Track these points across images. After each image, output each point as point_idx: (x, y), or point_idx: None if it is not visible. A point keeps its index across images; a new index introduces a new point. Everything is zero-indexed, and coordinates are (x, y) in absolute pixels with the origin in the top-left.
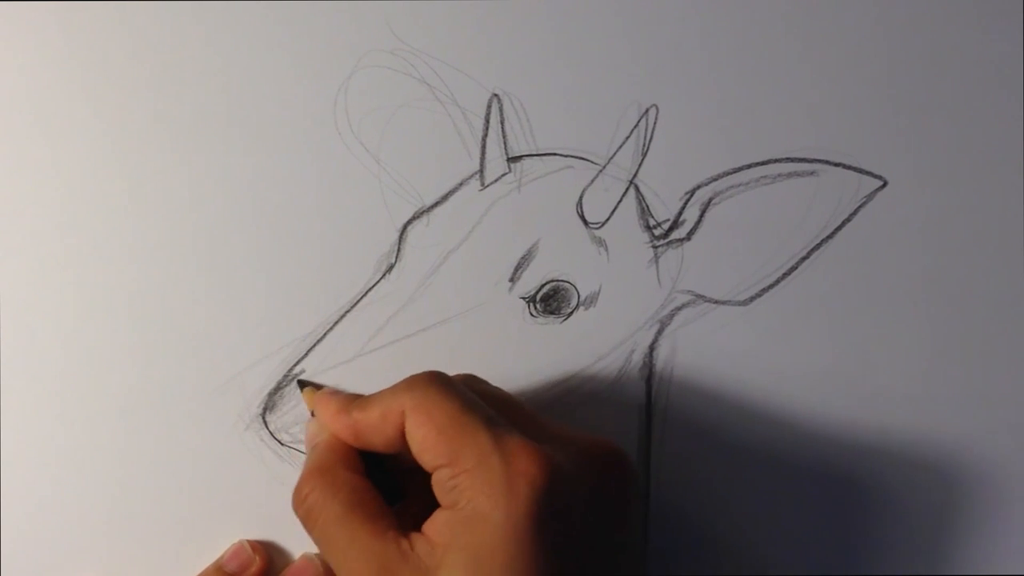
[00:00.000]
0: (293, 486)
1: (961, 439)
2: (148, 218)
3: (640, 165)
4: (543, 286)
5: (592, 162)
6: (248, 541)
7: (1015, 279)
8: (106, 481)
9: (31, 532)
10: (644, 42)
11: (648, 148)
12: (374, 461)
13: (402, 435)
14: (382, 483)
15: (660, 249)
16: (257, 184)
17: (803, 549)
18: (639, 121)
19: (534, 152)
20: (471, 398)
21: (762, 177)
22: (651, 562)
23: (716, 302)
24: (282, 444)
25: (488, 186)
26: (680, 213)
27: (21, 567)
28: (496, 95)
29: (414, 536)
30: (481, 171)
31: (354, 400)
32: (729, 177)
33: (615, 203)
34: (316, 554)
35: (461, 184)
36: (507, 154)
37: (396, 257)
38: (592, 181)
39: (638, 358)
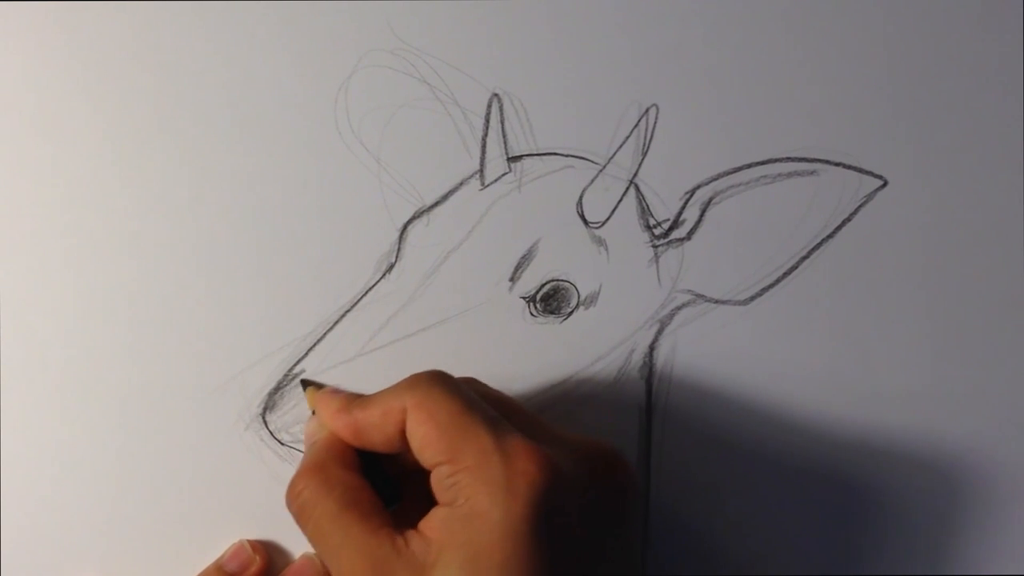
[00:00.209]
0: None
1: (961, 439)
2: (148, 218)
3: (640, 165)
4: (543, 286)
5: (592, 162)
6: (248, 541)
7: (1015, 279)
8: (106, 481)
9: (31, 532)
10: (644, 42)
11: (648, 148)
12: (372, 463)
13: (402, 434)
14: (379, 485)
15: (660, 249)
16: (257, 184)
17: (803, 549)
18: (639, 121)
19: (534, 152)
20: (473, 398)
21: (762, 177)
22: (651, 562)
23: (716, 302)
24: (282, 444)
25: (488, 186)
26: (680, 213)
27: (21, 567)
28: (496, 95)
29: (409, 533)
30: (481, 171)
31: (355, 399)
32: (729, 177)
33: (615, 203)
34: (317, 554)
35: (461, 184)
36: (507, 154)
37: (396, 257)
38: (592, 181)
39: (638, 358)
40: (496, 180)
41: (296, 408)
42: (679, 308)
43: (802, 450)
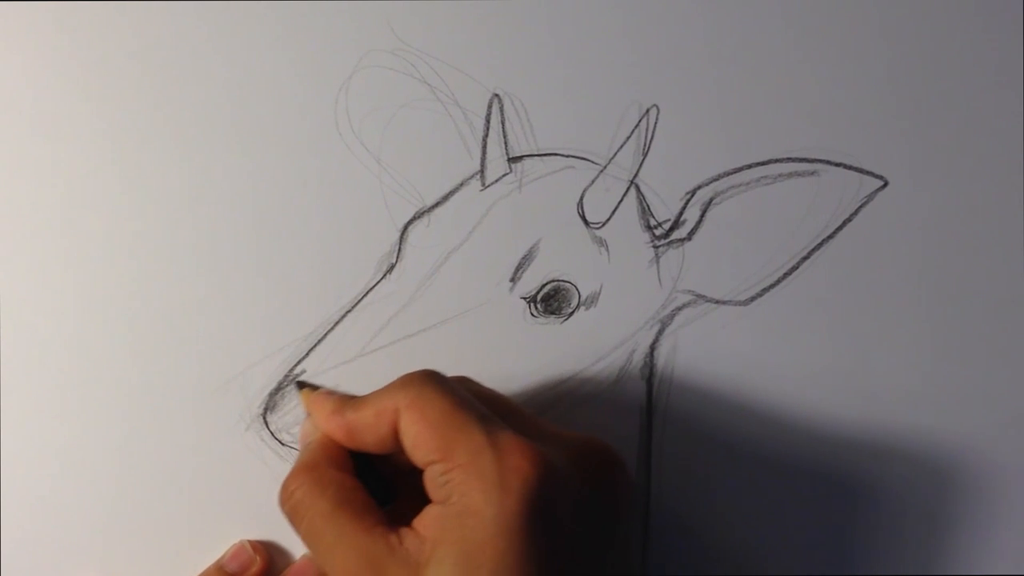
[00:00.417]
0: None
1: (962, 439)
2: (148, 218)
3: (641, 165)
4: (544, 286)
5: (593, 162)
6: (249, 541)
7: (1015, 279)
8: (106, 481)
9: (31, 532)
10: (644, 42)
11: (649, 148)
12: (366, 464)
13: (395, 434)
14: (373, 486)
15: (661, 249)
16: (258, 184)
17: (803, 549)
18: (640, 121)
19: (535, 152)
20: (465, 396)
21: (763, 177)
22: (651, 561)
23: (717, 302)
24: (283, 444)
25: (489, 186)
26: (681, 213)
27: (21, 567)
28: (497, 95)
29: (403, 531)
30: (482, 171)
31: (348, 401)
32: (730, 177)
33: (616, 203)
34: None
35: (462, 184)
36: (508, 154)
37: (397, 257)
38: (593, 181)
39: (639, 358)
40: (497, 180)
41: (297, 408)
42: (680, 308)
43: (802, 450)
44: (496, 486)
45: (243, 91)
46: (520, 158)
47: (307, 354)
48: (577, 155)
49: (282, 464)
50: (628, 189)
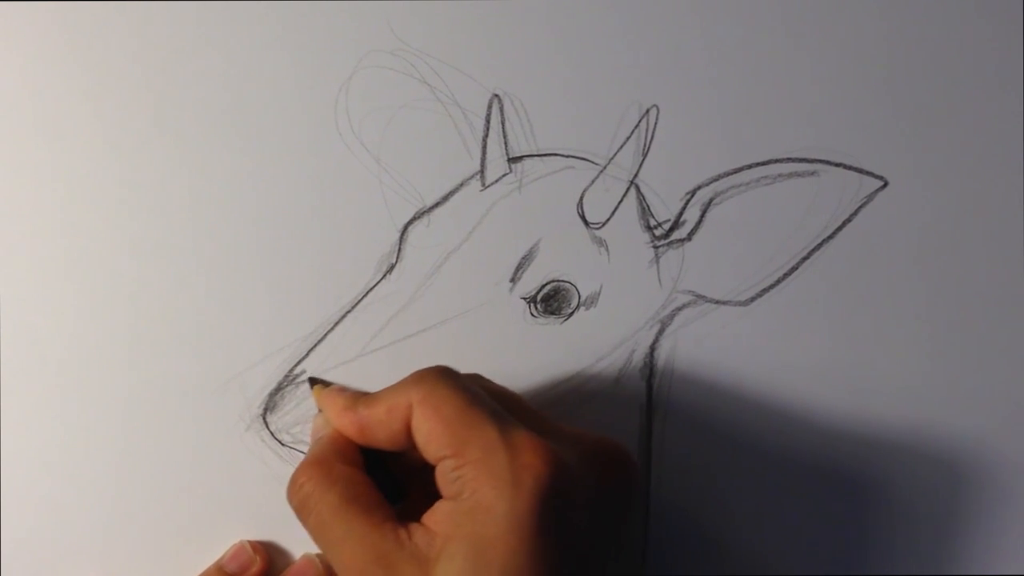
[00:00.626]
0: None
1: (962, 439)
2: (148, 218)
3: (641, 165)
4: (544, 286)
5: (593, 162)
6: (249, 542)
7: (1015, 279)
8: (106, 481)
9: (31, 532)
10: (644, 42)
11: (649, 148)
12: (376, 461)
13: (407, 430)
14: (383, 484)
15: (661, 249)
16: (258, 184)
17: (804, 549)
18: (640, 121)
19: (535, 152)
20: (478, 392)
21: (763, 177)
22: (651, 561)
23: (717, 302)
24: (283, 444)
25: (489, 186)
26: (681, 213)
27: (21, 567)
28: (497, 95)
29: (412, 527)
30: (482, 171)
31: (360, 397)
32: (730, 177)
33: (616, 203)
34: (317, 554)
35: (462, 184)
36: (508, 154)
37: (397, 257)
38: (593, 181)
39: (639, 358)
40: (497, 181)
41: (297, 409)
42: (680, 309)
43: (802, 450)
44: (508, 483)
45: (243, 91)
46: (520, 158)
47: (307, 354)
48: (577, 155)
49: (282, 464)
50: (628, 189)
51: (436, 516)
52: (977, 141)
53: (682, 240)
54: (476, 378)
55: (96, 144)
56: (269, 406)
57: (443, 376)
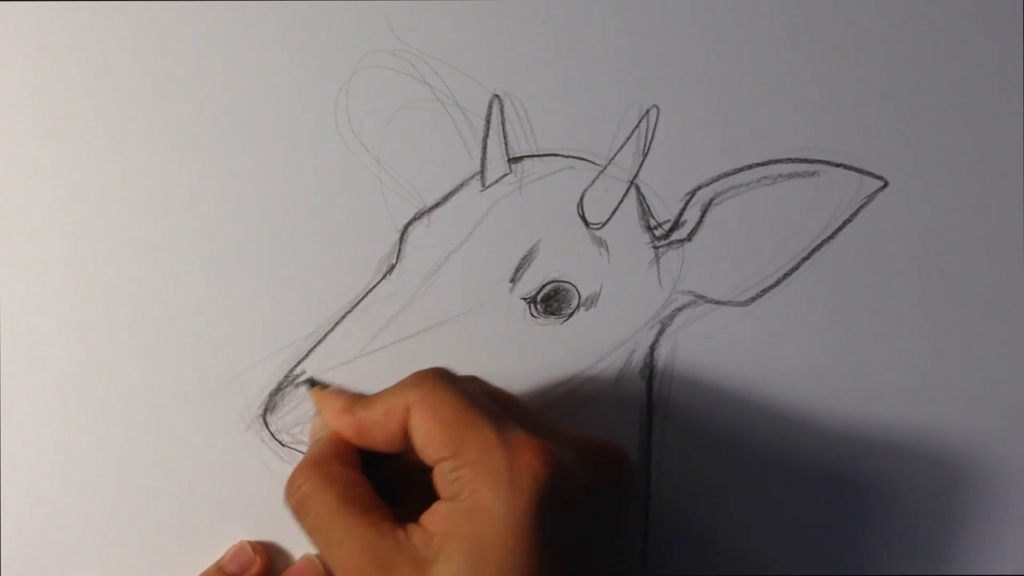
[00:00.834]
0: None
1: (962, 439)
2: (148, 218)
3: (641, 166)
4: (544, 287)
5: (593, 163)
6: (249, 542)
7: (1015, 279)
8: (106, 481)
9: (31, 532)
10: (644, 42)
11: (649, 149)
12: (374, 464)
13: (405, 431)
14: (380, 486)
15: (661, 250)
16: (258, 184)
17: (803, 549)
18: (640, 122)
19: (535, 153)
20: (476, 394)
21: (763, 178)
22: (651, 562)
23: (717, 303)
24: (283, 445)
25: (489, 187)
26: (681, 214)
27: (21, 567)
28: (497, 96)
29: (411, 527)
30: (482, 172)
31: (358, 399)
32: (730, 178)
33: (616, 204)
34: (317, 555)
35: (462, 185)
36: (508, 155)
37: (397, 258)
38: (593, 182)
39: (639, 359)
40: (497, 181)
41: (297, 409)
42: (680, 309)
43: (802, 451)
44: (506, 483)
45: (243, 91)
46: (520, 158)
47: (307, 355)
48: (577, 155)
49: (282, 465)
50: (628, 190)
51: (434, 517)
52: (977, 141)
53: (682, 240)
54: (474, 380)
55: (96, 144)
56: (269, 406)
57: (441, 377)
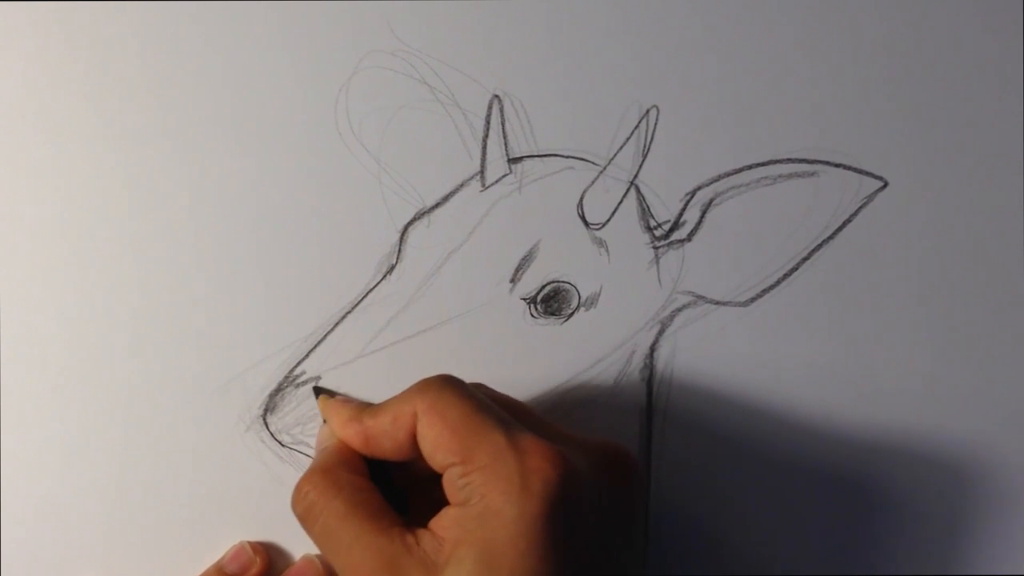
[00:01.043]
0: (294, 487)
1: (962, 439)
2: (148, 218)
3: (641, 166)
4: (544, 287)
5: (593, 163)
6: (249, 542)
7: (1015, 279)
8: (106, 481)
9: (31, 532)
10: (644, 42)
11: (649, 149)
12: (380, 473)
13: (412, 439)
14: (388, 495)
15: (661, 250)
16: (258, 185)
17: (803, 550)
18: (640, 122)
19: (535, 153)
20: (483, 399)
21: (763, 178)
22: (652, 562)
23: (717, 303)
24: (283, 445)
25: (489, 187)
26: (681, 214)
27: (21, 567)
28: (497, 96)
29: (420, 532)
30: (482, 172)
31: (365, 408)
32: (730, 178)
33: (616, 204)
34: (317, 555)
35: (462, 185)
36: (508, 155)
37: (397, 258)
38: (593, 182)
39: (639, 359)
40: (497, 181)
41: (297, 410)
42: (680, 309)
43: (802, 451)
44: (517, 487)
45: (243, 91)
46: (520, 159)
47: (307, 355)
48: (577, 156)
49: (282, 465)
50: (628, 190)
51: (443, 522)
52: (977, 141)
53: (682, 241)
54: (480, 387)
55: (96, 144)
56: (269, 407)
57: (447, 384)
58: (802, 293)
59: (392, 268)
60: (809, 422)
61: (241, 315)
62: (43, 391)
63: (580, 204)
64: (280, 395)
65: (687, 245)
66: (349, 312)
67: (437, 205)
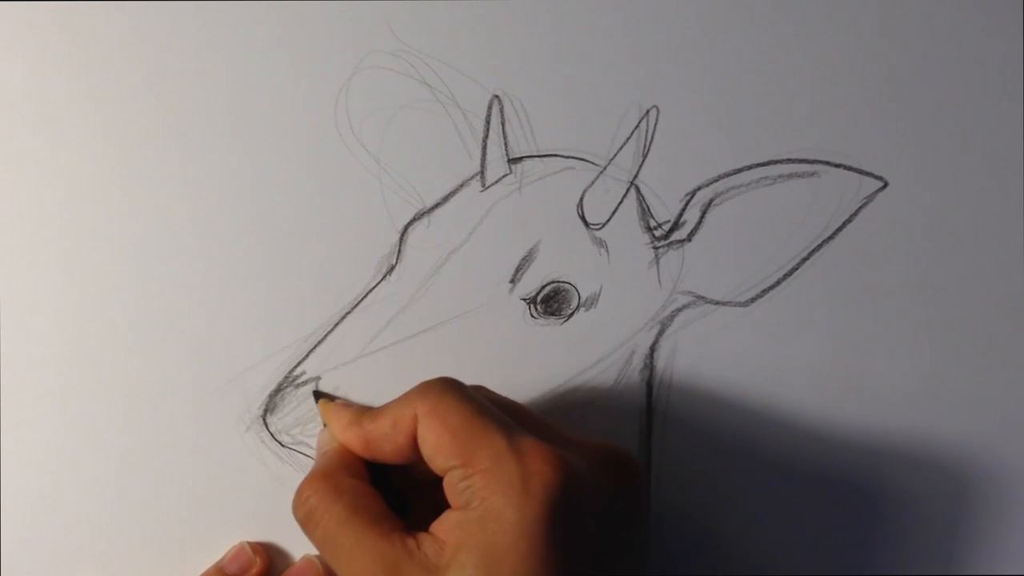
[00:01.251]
0: (294, 487)
1: (962, 439)
2: (149, 218)
3: (641, 166)
4: (544, 287)
5: (593, 163)
6: (249, 543)
7: (1015, 279)
8: (106, 481)
9: (31, 532)
10: (644, 42)
11: (649, 149)
12: (381, 477)
13: (413, 442)
14: (388, 499)
15: (661, 250)
16: (258, 185)
17: (803, 550)
18: (640, 122)
19: (535, 153)
20: (484, 402)
21: (763, 178)
22: (651, 562)
23: (717, 303)
24: (283, 445)
25: (489, 187)
26: (681, 214)
27: (21, 567)
28: (497, 96)
29: (421, 536)
30: (482, 172)
31: (366, 412)
32: (730, 178)
33: (616, 204)
34: (317, 555)
35: (462, 185)
36: (508, 155)
37: (397, 258)
38: (593, 182)
39: (639, 359)
40: (497, 182)
41: (297, 410)
42: (680, 309)
43: (802, 451)
44: (518, 490)
45: (243, 91)
46: (520, 159)
47: (307, 355)
48: (577, 156)
49: (282, 465)
50: (628, 190)
51: (445, 525)
52: (977, 141)
53: (682, 241)
54: (480, 389)
55: (96, 144)
56: (269, 407)
57: (448, 387)
58: (802, 293)
59: (392, 268)
60: (809, 421)
61: (241, 315)
62: (43, 391)
63: (580, 204)
64: (280, 395)
65: (687, 245)
66: (349, 312)
67: (437, 205)
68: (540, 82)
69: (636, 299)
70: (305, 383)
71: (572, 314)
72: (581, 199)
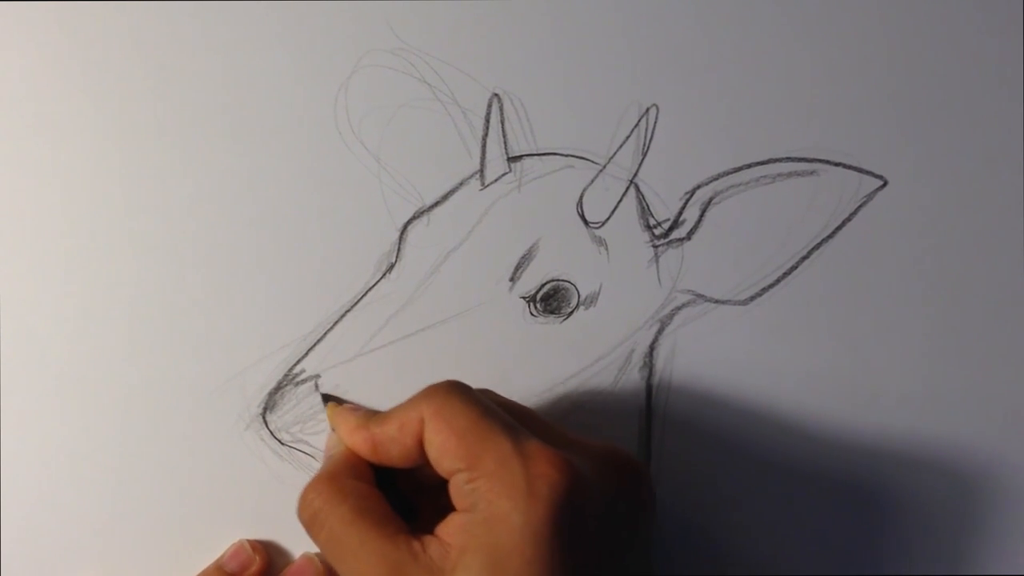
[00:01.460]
0: (293, 485)
1: (961, 439)
2: (148, 218)
3: (640, 165)
4: (543, 286)
5: (592, 162)
6: (248, 541)
7: (1015, 279)
8: (105, 480)
9: (31, 532)
10: (644, 42)
11: (648, 148)
12: (387, 481)
13: (420, 445)
14: (394, 503)
15: (660, 248)
16: (257, 184)
17: (803, 550)
18: (639, 121)
19: (534, 152)
20: (490, 405)
21: (762, 177)
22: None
23: (716, 302)
24: (282, 444)
25: (488, 186)
26: (680, 213)
27: (21, 567)
28: (496, 95)
29: (426, 539)
30: (481, 171)
31: (373, 416)
32: (729, 177)
33: (615, 203)
34: (316, 553)
35: (461, 184)
36: (507, 154)
37: (396, 256)
38: (592, 181)
39: (638, 358)
40: (496, 180)
41: (296, 408)
42: (679, 308)
43: (802, 449)
44: (524, 493)
45: (243, 91)
46: (519, 157)
47: (306, 353)
48: (576, 154)
49: (281, 463)
50: (628, 189)
51: (450, 528)
52: (977, 141)
53: (681, 239)
54: (486, 392)
55: (96, 144)
56: (269, 405)
57: (454, 390)
58: (801, 291)
59: (391, 266)
60: (808, 420)
61: (241, 313)
62: (43, 391)
63: (580, 203)
64: (279, 393)
65: (686, 244)
66: (348, 310)
67: (436, 203)
68: (540, 80)
69: (636, 297)
70: (304, 381)
71: (572, 312)
72: (581, 197)
